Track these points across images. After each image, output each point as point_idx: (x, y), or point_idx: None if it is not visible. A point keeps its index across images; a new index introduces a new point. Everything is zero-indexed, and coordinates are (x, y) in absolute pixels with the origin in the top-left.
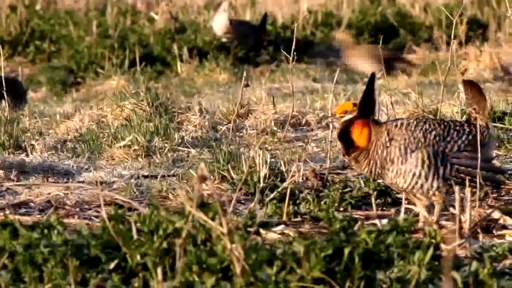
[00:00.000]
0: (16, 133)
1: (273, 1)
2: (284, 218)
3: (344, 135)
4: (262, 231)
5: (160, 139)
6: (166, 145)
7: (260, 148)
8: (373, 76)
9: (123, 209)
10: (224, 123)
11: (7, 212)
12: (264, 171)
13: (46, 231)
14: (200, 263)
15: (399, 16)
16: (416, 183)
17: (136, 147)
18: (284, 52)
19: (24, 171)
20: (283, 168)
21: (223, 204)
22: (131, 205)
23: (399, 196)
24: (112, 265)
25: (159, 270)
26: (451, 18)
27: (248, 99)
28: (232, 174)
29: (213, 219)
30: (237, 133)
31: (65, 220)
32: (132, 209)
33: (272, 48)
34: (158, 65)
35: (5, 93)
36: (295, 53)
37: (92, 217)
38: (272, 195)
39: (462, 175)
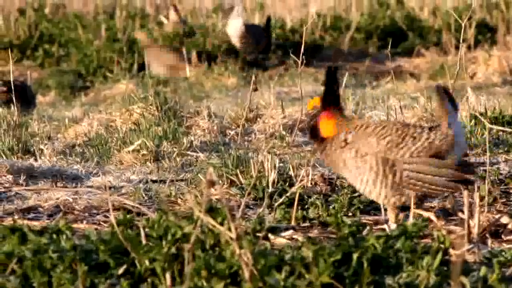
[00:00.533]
0: (25, 138)
1: (281, 5)
2: (293, 223)
3: (314, 130)
4: (270, 236)
5: (168, 143)
6: (174, 149)
7: (269, 153)
8: (334, 69)
9: (131, 214)
10: (233, 127)
11: (16, 217)
12: (272, 175)
13: (54, 236)
14: (208, 268)
15: (408, 19)
16: (365, 188)
17: (144, 152)
18: (293, 56)
19: (33, 176)
20: (291, 173)
21: (231, 209)
22: (139, 210)
23: None
24: (120, 270)
25: (167, 275)
26: (460, 21)
27: (257, 103)
28: (241, 178)
29: (221, 224)
30: (246, 138)
31: (74, 225)
32: (141, 214)
33: (281, 52)
34: None
35: (14, 98)
36: (303, 57)
37: (101, 222)
38: (280, 200)
39: (415, 181)
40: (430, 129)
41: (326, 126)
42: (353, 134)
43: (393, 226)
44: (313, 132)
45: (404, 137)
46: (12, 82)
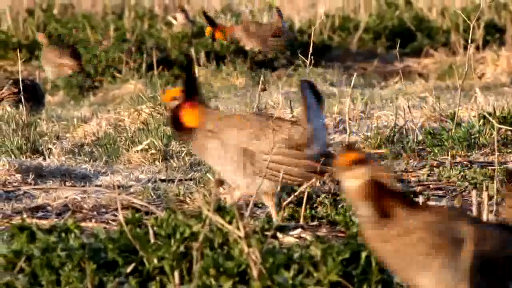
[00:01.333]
0: (34, 137)
1: (290, 6)
2: (301, 222)
3: (176, 121)
4: (279, 234)
5: (177, 143)
6: (183, 149)
7: None
8: (190, 59)
9: (140, 213)
10: None
11: (25, 215)
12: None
13: (63, 234)
14: (217, 266)
15: (416, 20)
16: (229, 177)
17: (153, 151)
18: (301, 56)
19: (41, 175)
20: None
21: (240, 208)
22: (148, 209)
23: (415, 200)
24: (129, 269)
25: (176, 274)
26: (469, 22)
27: (266, 103)
28: None
29: (230, 222)
30: None
31: (82, 224)
32: (149, 213)
33: (289, 52)
34: (175, 69)
35: (22, 97)
36: (312, 57)
37: (109, 221)
38: (289, 199)
39: (273, 172)
40: (293, 123)
41: (190, 117)
42: (217, 124)
43: (274, 217)
44: (176, 123)
45: (265, 129)
46: (22, 82)
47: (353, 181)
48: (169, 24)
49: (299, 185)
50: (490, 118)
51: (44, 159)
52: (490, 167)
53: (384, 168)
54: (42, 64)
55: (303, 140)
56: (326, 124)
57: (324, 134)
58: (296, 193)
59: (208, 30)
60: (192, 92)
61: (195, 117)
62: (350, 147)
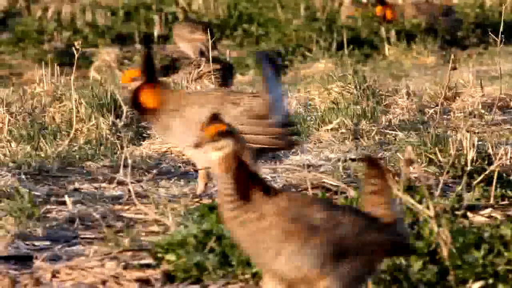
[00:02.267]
0: None
1: None
2: (492, 201)
3: (137, 102)
4: (469, 214)
5: (367, 122)
6: (373, 128)
7: (468, 131)
8: (148, 38)
9: (330, 193)
10: (432, 106)
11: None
12: (471, 154)
13: None
14: None
15: None
16: (188, 152)
17: (343, 130)
18: (492, 35)
19: None
20: (490, 151)
21: (430, 187)
22: (338, 188)
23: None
24: None
25: None
26: None
27: (456, 81)
28: (439, 157)
29: (420, 202)
30: (444, 116)
31: None
32: (339, 192)
33: (480, 31)
34: (366, 48)
35: (213, 76)
36: (503, 35)
37: None
38: (479, 178)
39: None
40: (252, 95)
41: (150, 97)
42: (178, 102)
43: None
44: (137, 104)
45: (225, 103)
46: (220, 61)
47: (216, 153)
48: (358, 2)
49: (273, 151)
50: None
51: None
52: None
53: (244, 144)
54: (175, 42)
55: (264, 110)
56: (285, 94)
57: (284, 104)
58: (487, 172)
59: (378, 9)
60: (151, 73)
61: (156, 98)
62: (214, 118)
